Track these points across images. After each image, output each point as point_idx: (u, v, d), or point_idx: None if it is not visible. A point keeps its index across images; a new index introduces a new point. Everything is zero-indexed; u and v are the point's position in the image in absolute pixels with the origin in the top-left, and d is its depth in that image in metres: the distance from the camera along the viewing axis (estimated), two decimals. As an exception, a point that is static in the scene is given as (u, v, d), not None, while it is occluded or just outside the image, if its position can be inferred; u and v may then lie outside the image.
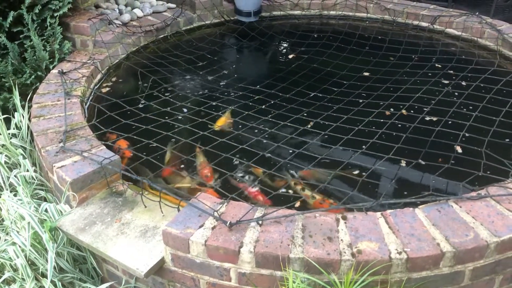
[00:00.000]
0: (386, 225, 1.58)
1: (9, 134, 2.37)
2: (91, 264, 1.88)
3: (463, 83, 2.89)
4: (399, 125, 2.46)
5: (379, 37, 3.59)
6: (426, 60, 3.21)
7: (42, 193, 2.08)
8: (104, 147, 2.06)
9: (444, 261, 1.48)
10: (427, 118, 2.52)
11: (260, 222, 1.59)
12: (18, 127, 2.43)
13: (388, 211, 1.64)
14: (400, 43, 3.45)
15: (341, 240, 1.52)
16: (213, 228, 1.58)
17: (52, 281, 1.75)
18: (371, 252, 1.46)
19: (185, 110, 2.67)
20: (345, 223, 1.59)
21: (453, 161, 2.14)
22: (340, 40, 3.54)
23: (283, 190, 2.02)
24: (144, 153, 2.22)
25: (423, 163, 2.17)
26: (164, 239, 1.60)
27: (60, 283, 1.76)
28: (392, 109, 2.61)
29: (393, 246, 1.49)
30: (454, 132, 2.36)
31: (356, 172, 2.12)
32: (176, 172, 2.16)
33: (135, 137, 2.35)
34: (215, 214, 1.61)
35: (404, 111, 2.59)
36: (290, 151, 2.28)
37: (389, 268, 1.46)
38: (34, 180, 2.09)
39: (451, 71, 3.04)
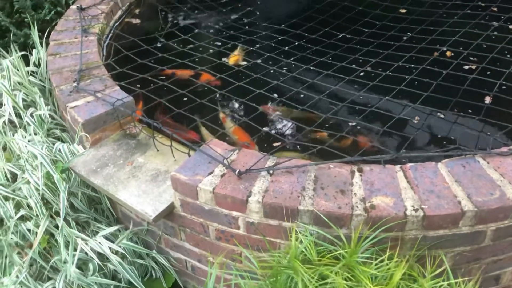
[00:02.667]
0: (405, 180, 1.48)
1: (28, 71, 2.35)
2: (105, 205, 1.89)
3: (510, 26, 2.63)
4: (431, 71, 2.27)
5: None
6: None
7: (58, 133, 2.07)
8: (118, 87, 2.00)
9: (464, 220, 1.39)
10: (462, 63, 2.32)
11: (270, 171, 1.53)
12: (36, 65, 2.40)
13: (408, 165, 1.54)
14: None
15: (355, 193, 1.44)
16: (222, 175, 1.53)
17: (66, 220, 1.78)
18: (385, 208, 1.38)
19: (203, 49, 2.56)
20: (361, 175, 1.51)
21: (485, 113, 1.97)
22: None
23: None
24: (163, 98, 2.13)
25: (452, 113, 2.01)
26: (173, 185, 1.57)
27: (74, 222, 1.78)
28: (425, 54, 2.41)
29: (410, 202, 1.40)
30: (491, 80, 2.16)
31: (378, 121, 2.00)
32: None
33: (150, 78, 2.27)
34: (225, 161, 1.55)
35: (436, 53, 2.40)
36: (314, 96, 2.17)
37: (404, 225, 1.38)
38: (50, 119, 2.08)
39: (496, 12, 2.77)
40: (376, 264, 1.30)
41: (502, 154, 1.55)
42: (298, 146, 1.95)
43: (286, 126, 2.07)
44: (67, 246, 1.70)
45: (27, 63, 2.38)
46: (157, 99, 2.06)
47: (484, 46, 2.43)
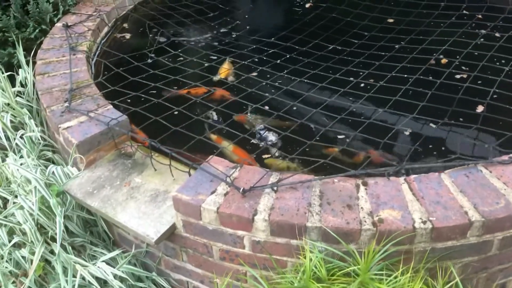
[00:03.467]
0: (410, 192, 1.48)
1: (14, 92, 2.29)
2: (101, 227, 1.84)
3: (497, 34, 2.68)
4: (424, 81, 2.28)
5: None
6: (454, 9, 2.97)
7: (50, 154, 2.01)
8: (111, 106, 1.96)
9: (472, 231, 1.38)
10: (454, 71, 2.34)
11: (275, 188, 1.50)
12: (23, 85, 2.33)
13: (412, 176, 1.53)
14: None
15: (361, 208, 1.42)
16: (225, 194, 1.49)
17: (62, 245, 1.71)
18: (393, 221, 1.37)
19: (193, 65, 2.53)
20: (366, 189, 1.49)
21: (483, 121, 1.98)
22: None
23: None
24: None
25: (449, 123, 2.02)
26: (175, 206, 1.53)
27: (70, 247, 1.72)
28: (416, 64, 2.42)
29: (417, 214, 1.39)
30: (484, 89, 2.17)
31: (374, 133, 2.00)
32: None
33: (143, 95, 2.22)
34: (228, 179, 1.52)
35: (432, 61, 2.43)
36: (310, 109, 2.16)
37: (413, 238, 1.37)
38: (41, 141, 2.02)
39: (482, 21, 2.82)
40: (389, 280, 1.29)
41: (503, 163, 1.56)
42: (297, 159, 1.93)
43: (285, 141, 2.05)
44: (65, 272, 1.64)
45: (12, 84, 2.32)
46: (152, 116, 2.01)
47: (476, 54, 2.46)
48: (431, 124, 2.03)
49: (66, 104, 1.95)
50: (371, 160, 1.83)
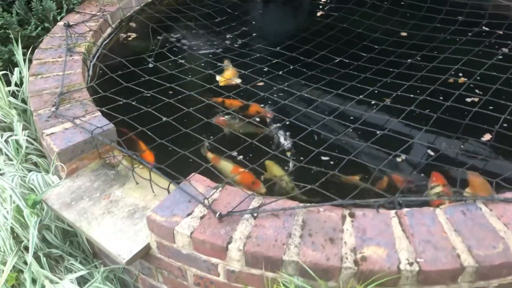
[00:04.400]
0: (399, 227, 1.36)
1: (9, 91, 2.25)
2: (81, 238, 1.77)
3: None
4: (432, 103, 2.13)
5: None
6: (472, 25, 2.81)
7: (36, 159, 1.96)
8: (99, 113, 1.89)
9: (464, 277, 1.26)
10: (464, 94, 2.18)
11: (255, 214, 1.41)
12: (18, 84, 2.29)
13: (404, 210, 1.42)
14: (444, 2, 3.04)
15: (345, 242, 1.32)
16: (202, 217, 1.41)
17: (37, 256, 1.66)
18: (377, 260, 1.26)
19: (192, 74, 2.44)
20: (352, 221, 1.39)
21: (489, 151, 1.85)
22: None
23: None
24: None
25: (452, 151, 1.88)
26: (149, 226, 1.45)
27: (44, 259, 1.66)
28: (425, 83, 2.27)
29: (404, 254, 1.28)
30: (495, 115, 2.00)
31: (374, 160, 1.88)
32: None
33: (134, 103, 2.13)
34: (205, 201, 1.43)
35: (450, 80, 2.26)
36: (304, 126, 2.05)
37: (397, 281, 1.26)
38: (27, 145, 1.97)
39: (502, 39, 2.66)
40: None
41: (506, 201, 1.43)
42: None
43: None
44: (35, 285, 1.57)
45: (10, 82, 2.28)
46: (139, 127, 1.93)
47: (492, 75, 2.30)
48: (429, 151, 1.90)
49: (53, 108, 1.89)
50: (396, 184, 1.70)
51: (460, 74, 2.35)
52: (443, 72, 2.35)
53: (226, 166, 1.89)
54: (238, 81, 2.39)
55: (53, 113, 1.87)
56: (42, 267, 1.65)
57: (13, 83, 2.28)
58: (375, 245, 1.31)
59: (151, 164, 1.62)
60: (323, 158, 1.89)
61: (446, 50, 2.54)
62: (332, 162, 1.87)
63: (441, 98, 2.14)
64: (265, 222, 1.38)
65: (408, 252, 1.28)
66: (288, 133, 2.05)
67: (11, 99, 2.18)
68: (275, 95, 2.27)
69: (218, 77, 2.40)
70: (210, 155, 1.95)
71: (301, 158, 1.87)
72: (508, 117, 1.99)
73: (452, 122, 1.98)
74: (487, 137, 1.94)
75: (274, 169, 1.89)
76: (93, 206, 1.63)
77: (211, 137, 2.01)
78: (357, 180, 1.79)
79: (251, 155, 1.92)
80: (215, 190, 1.50)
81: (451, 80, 2.31)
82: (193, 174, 1.58)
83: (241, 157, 1.90)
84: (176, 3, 3.12)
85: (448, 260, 1.26)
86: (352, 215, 1.40)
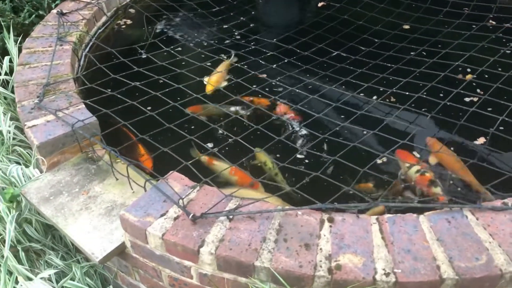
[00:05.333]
0: (379, 235, 1.31)
1: (-1, 80, 2.22)
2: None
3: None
4: (428, 101, 2.04)
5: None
6: (478, 18, 2.70)
7: (21, 150, 1.93)
8: (83, 106, 1.85)
9: (443, 289, 1.21)
10: (463, 93, 2.08)
11: (230, 216, 1.36)
12: (8, 74, 2.27)
13: (386, 216, 1.36)
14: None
15: (320, 249, 1.27)
16: (176, 218, 1.37)
17: (15, 251, 1.64)
18: (352, 270, 1.21)
19: (186, 63, 2.38)
20: (330, 226, 1.33)
21: (482, 155, 1.76)
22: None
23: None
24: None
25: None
26: (123, 225, 1.42)
27: (23, 254, 1.64)
28: (423, 80, 2.17)
29: (381, 264, 1.22)
30: (493, 116, 1.90)
31: (360, 160, 1.81)
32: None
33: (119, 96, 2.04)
34: (180, 202, 1.39)
35: (462, 76, 2.16)
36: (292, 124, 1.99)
37: (372, 291, 1.21)
38: (13, 136, 1.94)
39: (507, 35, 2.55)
40: None
41: (494, 209, 1.36)
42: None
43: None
44: (9, 281, 1.56)
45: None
46: (121, 121, 1.87)
47: (494, 72, 2.20)
48: (415, 153, 1.82)
49: (37, 100, 1.86)
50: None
51: (469, 70, 2.25)
52: (442, 69, 2.25)
53: (223, 167, 1.79)
54: (225, 84, 2.29)
55: (36, 104, 1.83)
56: (19, 261, 1.63)
57: (3, 72, 2.26)
58: (352, 253, 1.25)
59: (129, 160, 1.57)
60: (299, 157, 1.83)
61: (449, 44, 2.44)
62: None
63: (441, 94, 2.06)
64: (240, 225, 1.34)
65: (385, 261, 1.23)
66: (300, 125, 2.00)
67: (0, 88, 2.16)
68: (267, 89, 2.21)
69: (205, 80, 2.29)
70: (204, 158, 1.88)
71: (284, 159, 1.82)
72: (506, 119, 1.89)
73: (448, 123, 1.90)
74: (480, 140, 1.85)
75: (261, 156, 1.86)
76: (71, 202, 1.60)
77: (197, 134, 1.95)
78: (370, 187, 1.74)
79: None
80: (192, 189, 1.46)
81: (459, 76, 2.21)
82: (171, 172, 1.54)
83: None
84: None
85: (426, 271, 1.20)
86: (331, 220, 1.35)
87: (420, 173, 1.72)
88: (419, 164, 1.76)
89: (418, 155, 1.84)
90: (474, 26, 2.58)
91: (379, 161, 1.77)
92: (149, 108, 1.96)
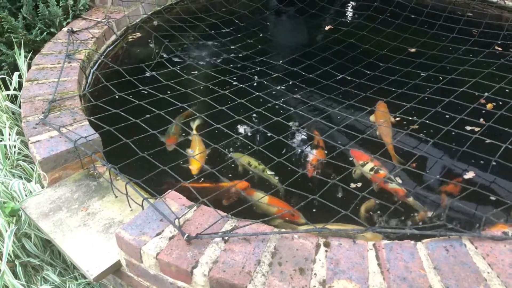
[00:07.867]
0: (375, 261, 1.29)
1: (7, 95, 2.26)
2: (61, 248, 1.75)
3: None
4: (428, 128, 2.03)
5: (434, 12, 3.08)
6: (485, 46, 2.70)
7: (25, 165, 1.95)
8: (87, 122, 1.87)
9: (438, 320, 1.18)
10: (465, 119, 2.06)
11: (225, 237, 1.36)
12: (17, 89, 2.30)
13: (383, 242, 1.35)
14: (457, 20, 2.94)
15: (315, 274, 1.25)
16: (171, 238, 1.36)
17: (14, 265, 1.64)
18: (346, 297, 1.19)
19: (194, 83, 2.41)
20: (326, 251, 1.32)
21: (483, 183, 1.74)
22: (389, 12, 3.09)
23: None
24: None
25: (443, 181, 1.78)
26: (118, 243, 1.42)
27: (20, 268, 1.65)
28: (426, 105, 2.14)
29: (376, 291, 1.21)
30: (495, 143, 1.87)
31: (359, 184, 1.80)
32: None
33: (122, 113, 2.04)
34: (176, 221, 1.39)
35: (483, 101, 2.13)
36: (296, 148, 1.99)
37: (365, 319, 1.19)
38: (18, 151, 1.97)
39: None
40: None
41: (494, 239, 1.34)
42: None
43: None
44: (6, 296, 1.56)
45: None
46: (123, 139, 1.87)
47: (499, 100, 2.19)
48: (416, 182, 1.81)
49: (42, 115, 1.88)
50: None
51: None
52: (447, 94, 2.24)
53: (260, 197, 1.75)
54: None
55: (41, 120, 1.86)
56: (16, 276, 1.63)
57: (12, 88, 2.30)
58: (347, 279, 1.24)
59: (128, 178, 1.58)
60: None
61: (454, 71, 2.44)
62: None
63: (447, 116, 2.05)
64: (235, 247, 1.33)
65: (380, 289, 1.21)
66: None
67: (8, 103, 2.20)
68: (269, 113, 2.21)
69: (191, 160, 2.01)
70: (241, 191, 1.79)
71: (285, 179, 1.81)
72: (510, 146, 1.86)
73: (448, 149, 1.88)
74: (469, 175, 1.83)
75: (244, 158, 1.93)
76: (70, 218, 1.61)
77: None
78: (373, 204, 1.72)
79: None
80: (188, 209, 1.46)
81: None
82: (169, 191, 1.54)
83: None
84: (184, 13, 3.10)
85: (422, 300, 1.18)
86: (327, 245, 1.34)
87: (375, 171, 1.81)
88: (372, 161, 1.85)
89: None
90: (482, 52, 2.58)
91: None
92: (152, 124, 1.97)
